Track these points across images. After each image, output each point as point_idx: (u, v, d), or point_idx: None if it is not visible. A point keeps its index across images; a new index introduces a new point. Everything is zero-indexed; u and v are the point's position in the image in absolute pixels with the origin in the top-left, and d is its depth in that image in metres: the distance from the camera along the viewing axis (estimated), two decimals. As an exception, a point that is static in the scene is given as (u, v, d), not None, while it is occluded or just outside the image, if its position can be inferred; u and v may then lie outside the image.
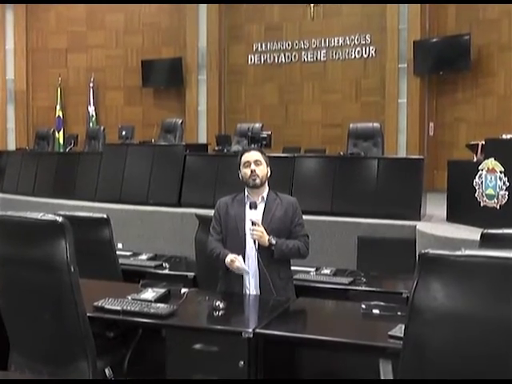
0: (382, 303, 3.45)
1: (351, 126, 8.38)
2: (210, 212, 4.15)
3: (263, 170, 3.88)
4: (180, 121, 10.03)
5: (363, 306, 3.45)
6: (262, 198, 3.87)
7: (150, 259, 5.49)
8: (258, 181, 3.84)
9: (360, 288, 4.50)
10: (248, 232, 3.74)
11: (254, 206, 3.77)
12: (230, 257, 3.70)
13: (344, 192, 7.28)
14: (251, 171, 3.83)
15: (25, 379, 2.80)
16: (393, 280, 4.94)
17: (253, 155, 3.88)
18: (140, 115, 13.01)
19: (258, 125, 9.30)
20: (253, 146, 7.42)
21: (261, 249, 3.73)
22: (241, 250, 3.76)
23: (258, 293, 3.79)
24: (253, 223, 3.70)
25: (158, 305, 3.40)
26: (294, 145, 10.14)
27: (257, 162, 3.86)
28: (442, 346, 2.32)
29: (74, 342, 3.02)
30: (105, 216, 4.67)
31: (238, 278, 3.79)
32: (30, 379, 2.84)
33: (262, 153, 3.95)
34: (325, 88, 11.74)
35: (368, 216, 6.88)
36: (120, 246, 5.29)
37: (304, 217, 3.96)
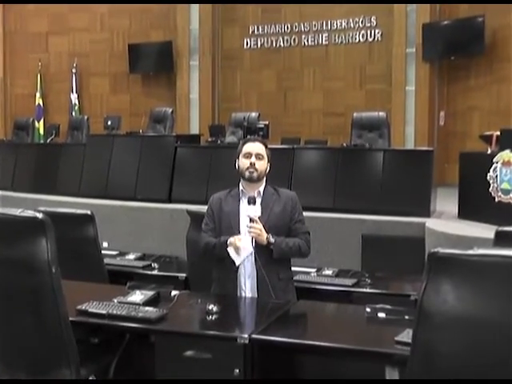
0: (388, 306, 3.45)
1: (355, 115, 8.38)
2: (203, 208, 4.14)
3: (263, 165, 3.87)
4: (170, 110, 10.02)
5: (368, 310, 3.44)
6: (259, 192, 3.87)
7: (137, 259, 5.48)
8: (254, 175, 3.83)
9: (364, 290, 4.50)
10: (243, 229, 3.74)
11: (252, 200, 3.75)
12: (233, 237, 3.69)
13: (347, 187, 7.29)
14: (250, 163, 3.82)
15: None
16: (400, 281, 4.94)
17: (256, 147, 3.88)
18: (127, 104, 12.99)
19: (254, 114, 9.30)
20: (256, 136, 7.42)
21: (258, 247, 3.72)
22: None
23: (256, 295, 3.79)
24: (251, 220, 3.70)
25: (147, 308, 3.40)
26: (294, 135, 10.14)
27: (258, 156, 3.85)
28: (453, 352, 2.32)
29: (56, 349, 3.01)
30: (89, 212, 4.65)
31: (233, 279, 3.78)
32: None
33: (266, 146, 3.94)
34: (326, 74, 11.74)
35: (373, 212, 6.88)
36: (105, 244, 5.27)
37: (304, 213, 3.96)
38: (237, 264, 3.72)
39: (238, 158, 3.91)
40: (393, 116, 10.38)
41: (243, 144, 3.93)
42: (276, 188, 3.94)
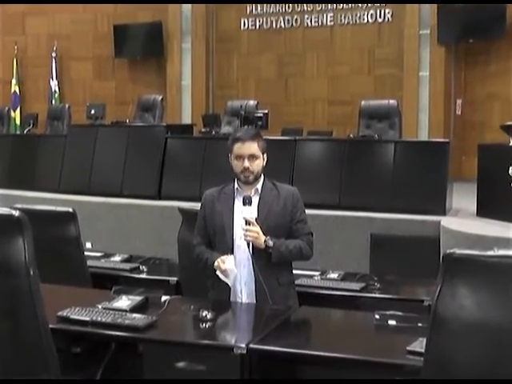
0: (399, 313, 3.45)
1: (363, 103, 8.38)
2: (196, 206, 4.14)
3: (259, 165, 3.84)
4: (160, 97, 10.02)
5: (377, 317, 3.45)
6: (256, 190, 3.86)
7: (124, 261, 5.48)
8: (251, 178, 3.82)
9: (373, 295, 4.50)
10: (237, 231, 3.74)
11: (248, 201, 3.73)
12: (217, 261, 3.70)
13: (354, 182, 7.29)
14: (244, 168, 3.80)
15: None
16: (412, 285, 4.95)
17: (247, 148, 3.80)
18: (112, 91, 12.98)
19: (252, 102, 9.30)
20: (247, 127, 7.41)
21: (255, 251, 3.72)
22: (229, 254, 3.76)
23: (253, 301, 3.78)
24: (246, 222, 3.69)
25: (134, 315, 3.40)
26: (295, 126, 10.14)
27: (252, 157, 3.81)
28: (471, 363, 2.32)
29: (34, 358, 3.01)
30: (70, 210, 4.65)
31: (229, 287, 3.78)
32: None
33: (258, 140, 3.86)
34: (332, 59, 11.73)
35: (383, 210, 6.89)
36: (89, 245, 5.27)
37: (307, 211, 3.95)
38: (230, 285, 3.74)
39: (230, 156, 3.88)
40: (404, 104, 10.37)
41: (233, 143, 3.85)
42: (275, 183, 3.92)
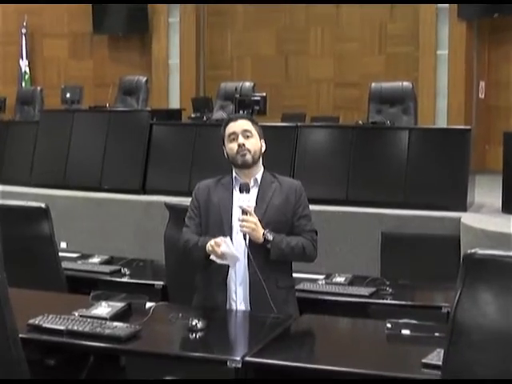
0: (413, 321, 3.45)
1: (373, 85, 8.39)
2: (185, 201, 4.14)
3: (255, 144, 3.86)
4: (144, 79, 10.00)
5: (389, 326, 3.45)
6: (255, 180, 3.86)
7: (103, 263, 5.48)
8: (248, 157, 3.82)
9: (384, 301, 4.50)
10: (236, 226, 3.72)
11: (245, 188, 3.74)
12: (212, 241, 3.65)
13: (363, 174, 7.30)
14: (239, 145, 3.82)
15: None
16: (429, 290, 4.95)
17: (240, 124, 3.87)
18: (90, 72, 12.95)
19: (248, 84, 9.29)
20: (241, 112, 7.40)
21: (252, 247, 3.70)
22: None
23: (249, 307, 3.78)
24: (243, 211, 3.69)
25: (115, 324, 3.40)
26: (297, 111, 10.14)
27: (246, 133, 3.84)
28: (494, 376, 2.33)
29: (2, 371, 3.01)
30: (43, 205, 4.64)
31: (222, 286, 3.78)
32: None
33: (252, 122, 3.94)
34: (338, 35, 11.72)
35: (395, 206, 6.89)
36: (64, 245, 5.27)
37: (310, 207, 3.95)
38: (231, 266, 3.72)
39: (224, 144, 3.90)
40: (420, 87, 10.38)
41: (224, 126, 3.92)
42: (276, 175, 3.93)
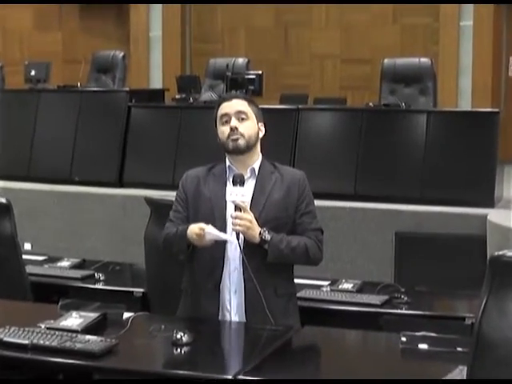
0: (432, 334, 3.46)
1: (386, 62, 8.40)
2: (169, 195, 4.14)
3: (251, 128, 3.84)
4: (121, 54, 9.96)
5: (404, 339, 3.45)
6: (252, 170, 3.86)
7: (74, 267, 5.48)
8: (241, 142, 3.81)
9: (399, 311, 4.51)
10: (229, 222, 3.71)
11: (239, 180, 3.71)
12: (194, 228, 3.64)
13: (374, 164, 7.32)
14: (231, 129, 3.81)
15: None
16: (450, 298, 4.96)
17: (234, 105, 3.85)
18: (59, 45, 12.93)
19: (241, 60, 9.27)
20: (235, 92, 7.39)
21: (248, 248, 3.70)
22: (219, 250, 3.74)
23: (244, 318, 3.78)
24: (236, 207, 3.68)
25: (88, 337, 3.39)
26: (298, 91, 10.12)
27: (240, 115, 3.83)
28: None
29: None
30: (4, 201, 4.64)
31: (213, 293, 3.77)
32: None
33: (249, 102, 3.92)
34: (345, 4, 11.69)
35: (412, 201, 6.91)
36: (28, 246, 5.26)
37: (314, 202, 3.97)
38: (229, 240, 3.70)
39: (216, 126, 3.89)
40: (440, 63, 10.37)
41: (217, 106, 3.91)
42: (276, 165, 3.93)
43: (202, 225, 3.64)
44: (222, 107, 3.87)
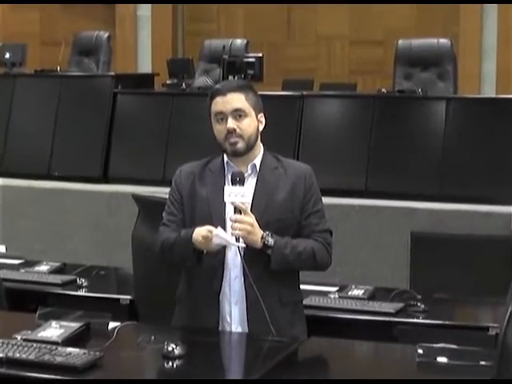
0: (452, 346, 3.46)
1: (401, 43, 8.40)
2: (158, 191, 4.14)
3: (250, 125, 3.81)
4: (106, 35, 9.96)
5: (420, 351, 3.45)
6: (253, 166, 3.85)
7: (54, 272, 5.49)
8: (240, 146, 3.79)
9: (415, 320, 4.52)
10: (229, 225, 3.69)
11: (238, 179, 3.70)
12: (201, 230, 3.62)
13: (388, 157, 7.33)
14: (228, 130, 3.79)
15: None
16: (472, 306, 4.96)
17: (230, 101, 3.80)
18: (36, 25, 12.91)
19: (240, 42, 9.26)
20: (231, 78, 7.39)
21: (249, 254, 3.70)
22: (218, 257, 3.73)
23: (246, 328, 3.79)
24: (236, 209, 3.68)
25: (69, 350, 3.38)
26: (303, 76, 10.12)
27: (237, 113, 3.79)
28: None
29: None
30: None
31: (213, 305, 3.77)
32: None
33: (246, 93, 3.86)
34: (355, -22, 11.71)
35: (429, 198, 6.92)
36: (2, 248, 5.25)
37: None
38: (230, 246, 3.70)
39: (211, 119, 3.87)
40: (461, 45, 10.35)
41: (211, 99, 3.86)
42: (280, 158, 3.92)
43: (209, 227, 3.62)
44: (215, 102, 3.83)
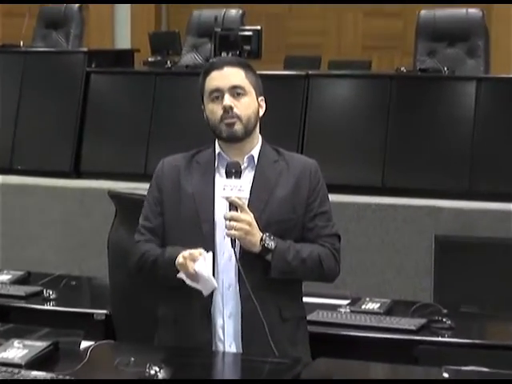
0: (482, 369, 3.48)
1: (423, 14, 8.42)
2: (138, 188, 4.14)
3: (249, 106, 3.83)
4: (76, 5, 9.96)
5: (446, 375, 3.46)
6: (251, 158, 3.86)
7: (16, 282, 5.50)
8: (238, 127, 3.79)
9: (440, 339, 4.54)
10: (221, 225, 3.71)
11: (234, 171, 3.71)
12: (185, 252, 3.60)
13: (408, 149, 7.34)
14: (225, 109, 3.80)
15: None
16: (505, 322, 4.98)
17: (228, 75, 3.83)
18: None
19: (234, 12, 9.25)
20: (224, 55, 7.40)
21: (245, 259, 3.71)
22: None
23: (241, 347, 3.80)
24: (231, 205, 3.68)
25: (34, 373, 3.40)
26: (308, 53, 10.14)
27: (236, 90, 3.81)
28: None
29: None
30: None
31: (204, 320, 3.77)
32: None
33: (246, 69, 3.90)
34: None
35: (456, 196, 6.95)
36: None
37: (330, 197, 3.97)
38: (204, 294, 3.70)
39: (203, 102, 3.88)
40: (494, 16, 10.38)
41: (204, 75, 3.87)
42: (281, 151, 3.93)
43: (188, 253, 3.60)
44: (210, 77, 3.84)
